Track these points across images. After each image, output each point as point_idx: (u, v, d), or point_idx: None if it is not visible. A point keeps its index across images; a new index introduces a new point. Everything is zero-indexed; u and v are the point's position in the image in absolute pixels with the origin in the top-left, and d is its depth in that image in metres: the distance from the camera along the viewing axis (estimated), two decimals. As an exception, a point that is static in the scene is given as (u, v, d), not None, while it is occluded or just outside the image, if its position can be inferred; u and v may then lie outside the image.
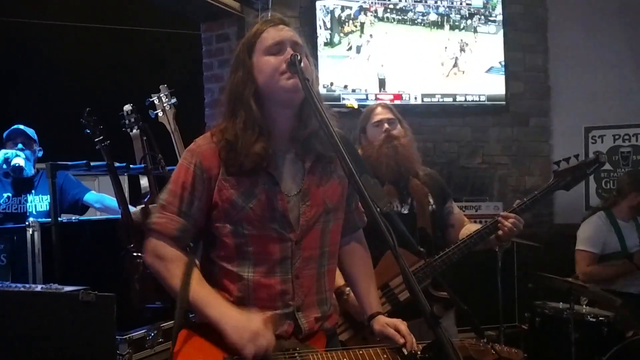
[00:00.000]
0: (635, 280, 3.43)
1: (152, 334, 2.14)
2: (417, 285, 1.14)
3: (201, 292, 1.50)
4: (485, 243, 2.35)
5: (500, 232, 2.25)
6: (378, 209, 1.31)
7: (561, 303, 3.20)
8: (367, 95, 4.28)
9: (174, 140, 2.74)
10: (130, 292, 2.32)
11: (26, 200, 3.27)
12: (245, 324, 1.44)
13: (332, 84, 4.23)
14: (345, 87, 4.26)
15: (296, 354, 1.52)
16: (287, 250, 1.54)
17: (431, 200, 2.50)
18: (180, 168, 1.57)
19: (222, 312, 1.47)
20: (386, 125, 2.48)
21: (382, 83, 4.32)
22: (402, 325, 1.56)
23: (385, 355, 1.51)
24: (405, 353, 1.48)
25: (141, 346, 2.10)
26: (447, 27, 4.37)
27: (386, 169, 2.42)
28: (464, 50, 4.40)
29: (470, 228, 2.44)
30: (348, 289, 2.06)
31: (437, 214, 2.50)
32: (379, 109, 2.54)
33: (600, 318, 3.11)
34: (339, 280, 1.98)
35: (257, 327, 1.43)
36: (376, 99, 4.27)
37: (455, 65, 4.39)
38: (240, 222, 1.52)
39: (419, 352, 1.22)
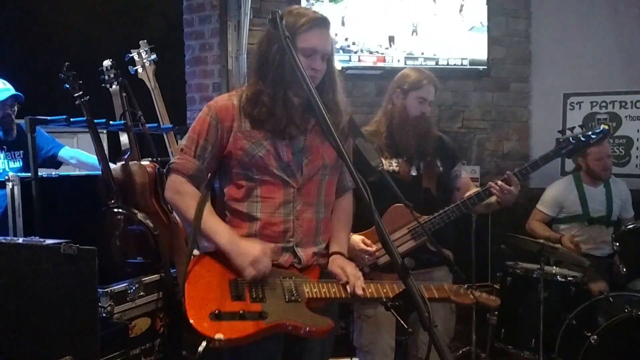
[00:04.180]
0: (601, 245, 3.55)
1: (134, 288, 2.18)
2: (389, 239, 1.20)
3: (212, 221, 1.78)
4: (487, 207, 2.48)
5: (495, 197, 2.37)
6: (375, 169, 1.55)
7: (532, 264, 3.32)
8: (350, 57, 4.26)
9: (154, 97, 2.73)
10: (112, 247, 2.35)
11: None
12: (248, 250, 1.71)
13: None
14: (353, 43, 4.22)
15: (291, 281, 1.77)
16: (289, 195, 1.82)
17: (439, 163, 2.57)
18: (198, 119, 1.84)
19: (230, 239, 1.75)
20: (427, 108, 2.51)
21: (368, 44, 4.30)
22: (349, 267, 1.83)
23: (370, 290, 1.77)
24: (349, 291, 1.76)
25: (123, 299, 2.14)
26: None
27: (407, 143, 2.49)
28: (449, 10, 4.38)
29: (473, 192, 2.53)
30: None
31: (443, 176, 2.57)
32: (430, 88, 2.50)
33: (569, 278, 3.23)
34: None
35: (258, 253, 1.71)
36: (359, 60, 4.26)
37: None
38: (250, 168, 1.80)
39: (390, 301, 1.28)
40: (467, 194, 2.50)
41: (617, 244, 3.22)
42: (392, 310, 1.23)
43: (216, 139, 1.80)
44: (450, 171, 2.60)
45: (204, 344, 1.57)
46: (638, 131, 4.31)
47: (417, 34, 4.37)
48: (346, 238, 1.98)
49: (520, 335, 3.25)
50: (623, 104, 4.34)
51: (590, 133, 2.42)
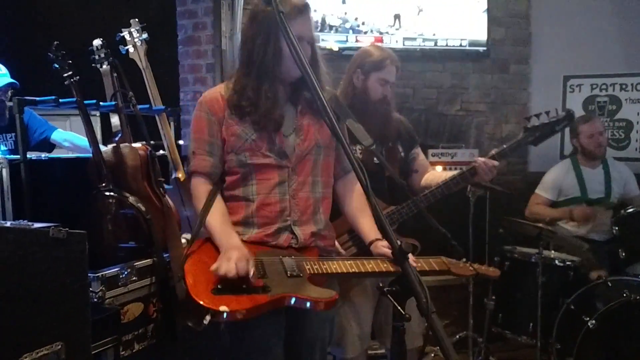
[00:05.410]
0: (599, 228, 3.52)
1: (126, 272, 2.14)
2: (386, 221, 1.16)
3: (214, 219, 1.84)
4: (455, 190, 2.40)
5: (477, 177, 2.32)
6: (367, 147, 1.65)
7: (530, 248, 3.30)
8: (347, 37, 4.19)
9: (145, 78, 2.67)
10: (103, 231, 2.31)
11: None
12: (233, 249, 1.72)
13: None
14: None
15: (291, 259, 1.78)
16: (284, 175, 1.85)
17: (400, 148, 2.52)
18: (195, 119, 1.92)
19: (226, 240, 1.79)
20: (389, 89, 2.43)
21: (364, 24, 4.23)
22: None
23: (370, 265, 1.80)
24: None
25: (114, 284, 2.10)
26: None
27: (368, 129, 2.29)
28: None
29: (435, 174, 2.48)
30: None
31: (404, 160, 2.53)
32: (392, 69, 2.42)
33: (567, 263, 3.22)
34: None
35: (239, 254, 1.70)
36: (356, 41, 4.19)
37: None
38: (243, 152, 1.84)
39: (386, 286, 1.25)
40: (430, 177, 2.45)
41: (617, 228, 3.19)
42: (388, 295, 1.20)
43: (215, 131, 1.87)
44: (409, 154, 2.54)
45: (208, 317, 1.56)
46: (638, 114, 4.26)
47: (418, 15, 4.30)
48: (372, 220, 1.95)
49: (518, 320, 3.25)
50: (623, 86, 4.28)
51: (554, 120, 2.35)
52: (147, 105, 2.73)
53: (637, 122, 4.27)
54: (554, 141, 4.43)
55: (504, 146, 2.36)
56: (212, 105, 1.88)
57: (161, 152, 2.71)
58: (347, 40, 4.17)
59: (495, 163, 2.31)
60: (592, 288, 3.05)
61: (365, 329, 2.48)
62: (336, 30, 4.13)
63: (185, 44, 4.15)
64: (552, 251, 3.30)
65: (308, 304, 1.66)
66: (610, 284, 2.99)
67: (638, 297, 2.78)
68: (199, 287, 1.65)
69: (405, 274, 1.10)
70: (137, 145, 2.45)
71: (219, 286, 1.64)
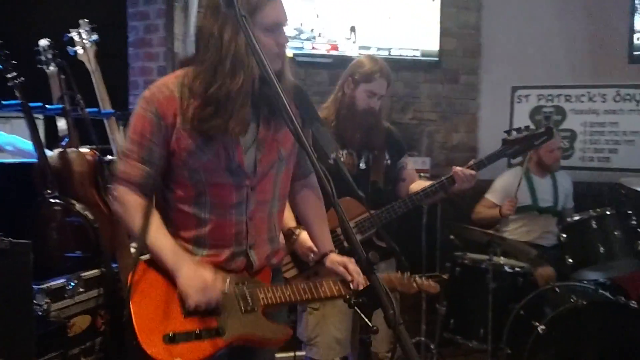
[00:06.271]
0: (547, 234, 3.64)
1: (72, 284, 2.06)
2: (352, 231, 1.14)
3: (158, 237, 1.60)
4: (433, 198, 2.47)
5: (456, 185, 2.37)
6: (330, 158, 1.44)
7: (480, 255, 3.37)
8: (302, 44, 4.18)
9: (94, 80, 2.60)
10: (48, 241, 2.21)
11: None
12: (196, 275, 1.55)
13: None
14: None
15: (244, 287, 1.65)
16: (242, 196, 1.65)
17: (387, 155, 2.55)
18: (137, 117, 1.62)
19: (177, 260, 1.58)
20: (377, 102, 2.45)
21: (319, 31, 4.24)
22: (350, 264, 1.69)
23: (323, 289, 1.68)
24: (351, 288, 1.63)
25: (60, 296, 2.02)
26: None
27: (353, 136, 2.44)
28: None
29: (420, 184, 2.53)
30: (298, 230, 2.16)
31: (390, 168, 2.55)
32: (382, 82, 2.43)
33: (517, 269, 3.30)
34: (290, 222, 2.14)
35: (206, 280, 1.55)
36: (312, 48, 4.18)
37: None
38: (197, 171, 1.61)
39: (353, 298, 1.23)
40: (416, 186, 2.49)
41: (564, 235, 3.30)
42: (355, 307, 1.18)
43: (160, 137, 1.59)
44: (397, 162, 2.59)
45: None
46: (581, 124, 4.44)
47: (380, 22, 4.34)
48: (328, 231, 1.87)
49: (469, 326, 3.30)
50: (568, 97, 4.45)
51: (534, 135, 2.45)
52: (95, 109, 2.65)
53: (581, 132, 4.44)
54: (502, 150, 4.56)
55: (482, 157, 2.44)
56: (163, 108, 1.58)
57: (109, 157, 2.62)
58: (303, 47, 4.16)
59: (473, 172, 2.36)
60: (541, 293, 3.14)
61: (344, 333, 2.45)
62: (292, 38, 4.12)
63: (136, 46, 4.04)
64: (501, 257, 3.38)
65: (261, 344, 1.63)
66: (557, 290, 3.09)
67: (584, 302, 2.88)
68: (150, 335, 1.50)
69: (373, 286, 1.08)
70: (85, 150, 2.39)
71: (170, 333, 1.50)
